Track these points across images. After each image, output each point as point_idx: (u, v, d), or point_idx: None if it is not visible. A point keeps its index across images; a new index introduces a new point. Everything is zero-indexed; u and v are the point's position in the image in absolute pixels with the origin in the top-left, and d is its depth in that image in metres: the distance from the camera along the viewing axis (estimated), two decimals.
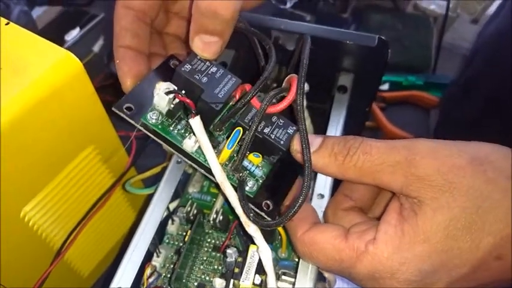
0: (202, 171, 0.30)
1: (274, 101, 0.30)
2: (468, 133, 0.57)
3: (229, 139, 0.30)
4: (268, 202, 0.30)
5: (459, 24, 0.87)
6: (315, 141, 0.29)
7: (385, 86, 0.71)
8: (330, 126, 0.37)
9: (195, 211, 0.34)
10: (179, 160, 0.35)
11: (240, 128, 0.30)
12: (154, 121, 0.30)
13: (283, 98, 0.30)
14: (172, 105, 0.30)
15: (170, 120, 0.30)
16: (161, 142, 0.30)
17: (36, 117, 0.33)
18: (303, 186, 0.27)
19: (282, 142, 0.30)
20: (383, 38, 0.36)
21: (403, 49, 0.76)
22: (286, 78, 0.30)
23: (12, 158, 0.33)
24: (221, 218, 0.34)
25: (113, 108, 0.29)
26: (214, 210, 0.34)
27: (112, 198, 0.44)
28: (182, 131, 0.30)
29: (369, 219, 0.30)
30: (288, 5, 0.74)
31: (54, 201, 0.39)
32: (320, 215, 0.33)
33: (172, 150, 0.30)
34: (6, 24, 0.36)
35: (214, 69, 0.31)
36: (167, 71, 0.32)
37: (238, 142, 0.30)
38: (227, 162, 0.30)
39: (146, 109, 0.30)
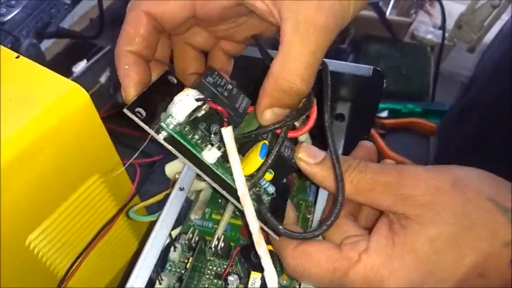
0: (216, 185, 0.29)
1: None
2: (466, 158, 0.58)
3: (259, 150, 0.29)
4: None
5: (456, 52, 0.88)
6: (319, 154, 0.30)
7: (384, 113, 0.72)
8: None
9: (197, 238, 0.35)
10: (181, 187, 0.36)
11: (267, 142, 0.30)
12: (172, 127, 0.28)
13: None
14: (195, 114, 0.29)
15: (187, 129, 0.29)
16: (177, 152, 0.28)
17: (44, 147, 0.34)
18: (337, 200, 0.28)
19: (293, 161, 0.31)
20: (378, 68, 0.37)
21: (401, 77, 0.78)
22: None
23: (19, 187, 0.33)
24: (222, 244, 0.34)
25: (124, 110, 0.27)
26: (216, 237, 0.35)
27: (115, 226, 0.45)
28: (199, 141, 0.29)
29: (360, 230, 0.30)
30: None
31: (59, 229, 0.40)
32: None
33: (186, 161, 0.28)
34: (17, 57, 0.37)
35: (230, 86, 0.31)
36: (165, 85, 0.31)
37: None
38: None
39: (157, 117, 0.28)
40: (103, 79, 0.71)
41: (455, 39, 0.86)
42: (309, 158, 0.30)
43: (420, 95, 0.77)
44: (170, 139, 0.28)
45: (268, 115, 0.29)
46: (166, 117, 0.28)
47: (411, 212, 0.27)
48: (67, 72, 0.70)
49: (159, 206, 0.38)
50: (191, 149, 0.28)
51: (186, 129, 0.29)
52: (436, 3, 0.91)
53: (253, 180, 0.29)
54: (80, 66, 0.63)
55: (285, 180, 0.35)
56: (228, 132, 0.28)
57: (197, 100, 0.28)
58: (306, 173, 0.31)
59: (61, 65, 0.72)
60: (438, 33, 0.87)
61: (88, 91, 0.37)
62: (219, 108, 0.29)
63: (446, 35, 0.84)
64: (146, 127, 0.27)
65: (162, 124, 0.27)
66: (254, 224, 0.28)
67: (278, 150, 0.30)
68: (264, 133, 0.30)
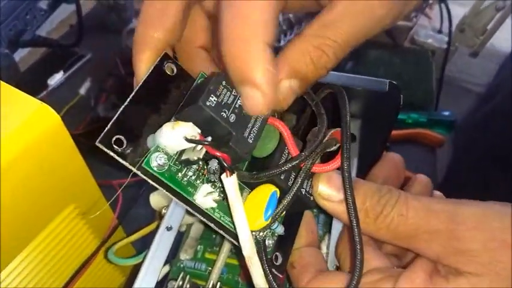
0: (213, 225, 0.24)
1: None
2: (484, 170, 0.54)
3: (265, 204, 0.24)
4: (277, 254, 0.26)
5: (458, 57, 0.85)
6: (342, 187, 0.25)
7: None
8: None
9: (188, 286, 0.30)
10: (169, 226, 0.30)
11: (276, 189, 0.25)
12: (159, 167, 0.23)
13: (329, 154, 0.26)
14: (188, 156, 0.23)
15: (178, 165, 0.24)
16: (164, 191, 0.23)
17: (9, 176, 0.30)
18: (356, 264, 0.23)
19: (311, 198, 0.26)
20: (393, 82, 0.32)
21: (403, 84, 0.73)
22: (331, 133, 0.26)
23: None
24: None
25: (97, 143, 0.22)
26: (211, 284, 0.30)
27: (95, 262, 0.40)
28: (194, 178, 0.24)
29: (384, 260, 0.26)
30: (282, 42, 0.71)
31: (31, 267, 0.36)
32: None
33: (177, 200, 0.24)
34: None
35: (240, 101, 0.24)
36: (162, 82, 0.25)
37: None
38: None
39: (143, 142, 0.23)
40: (82, 90, 0.67)
41: (457, 44, 0.83)
42: (331, 193, 0.25)
43: (424, 102, 0.74)
44: (155, 180, 0.23)
45: (284, 88, 0.24)
46: (151, 151, 0.23)
47: (465, 268, 0.22)
48: (42, 85, 0.65)
49: (145, 240, 0.34)
50: (181, 192, 0.23)
51: (176, 165, 0.23)
52: (435, 6, 0.87)
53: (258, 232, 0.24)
54: (55, 79, 0.58)
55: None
56: (231, 182, 0.23)
57: (188, 141, 0.22)
58: (329, 212, 0.26)
59: (37, 76, 0.68)
60: (439, 37, 0.83)
61: (66, 104, 0.32)
62: (218, 154, 0.23)
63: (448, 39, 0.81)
64: (126, 163, 0.22)
65: (144, 166, 0.22)
66: (263, 284, 0.23)
67: (293, 196, 0.24)
68: (281, 173, 0.25)
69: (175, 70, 0.25)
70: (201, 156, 0.23)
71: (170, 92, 0.25)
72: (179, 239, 0.35)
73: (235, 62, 0.22)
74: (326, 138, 0.25)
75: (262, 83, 0.21)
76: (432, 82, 0.76)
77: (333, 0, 0.23)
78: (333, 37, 0.23)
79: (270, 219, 0.24)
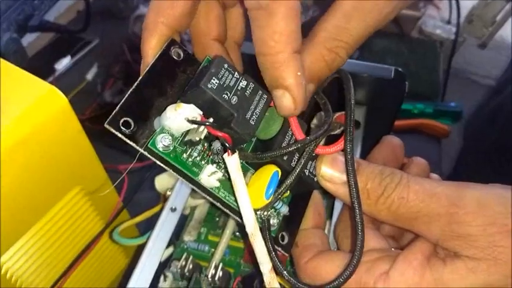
0: (218, 204, 0.25)
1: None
2: (493, 162, 0.54)
3: (267, 184, 0.25)
4: (284, 233, 0.27)
5: (465, 48, 0.85)
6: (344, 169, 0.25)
7: None
8: None
9: (191, 266, 0.30)
10: (173, 207, 0.31)
11: (277, 169, 0.25)
12: (164, 148, 0.23)
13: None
14: (191, 136, 0.24)
15: (183, 146, 0.24)
16: (171, 170, 0.24)
17: (17, 157, 0.30)
18: (356, 244, 0.23)
19: (315, 179, 0.27)
20: (399, 69, 0.32)
21: (409, 75, 0.73)
22: (335, 116, 0.27)
23: None
24: (221, 273, 0.30)
25: (105, 125, 0.22)
26: (213, 265, 0.30)
27: (99, 244, 0.41)
28: (198, 159, 0.24)
29: (382, 241, 0.26)
30: None
31: (36, 249, 0.36)
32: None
33: (183, 180, 0.24)
34: None
35: (243, 83, 0.25)
36: (169, 66, 0.25)
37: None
38: None
39: (150, 124, 0.24)
40: (89, 76, 0.67)
41: (465, 35, 0.82)
42: (334, 174, 0.25)
43: (431, 93, 0.73)
44: (161, 160, 0.23)
45: (304, 93, 0.25)
46: (157, 132, 0.23)
47: (464, 251, 0.22)
48: (50, 70, 0.65)
49: (150, 222, 0.34)
50: (186, 172, 0.24)
51: (182, 146, 0.24)
52: None
53: (262, 211, 0.25)
54: (63, 63, 0.58)
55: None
56: (232, 161, 0.23)
57: (190, 122, 0.23)
58: (332, 193, 0.26)
59: (45, 61, 0.68)
60: (447, 28, 0.82)
61: (73, 89, 0.32)
62: (220, 134, 0.23)
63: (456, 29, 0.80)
64: (133, 144, 0.22)
65: (150, 146, 0.23)
66: (266, 264, 0.24)
67: (296, 177, 0.25)
68: (283, 155, 0.25)
69: (182, 55, 0.26)
70: (202, 137, 0.23)
71: (177, 75, 0.25)
72: (184, 221, 0.35)
73: (269, 72, 0.24)
74: (330, 122, 0.26)
75: (293, 88, 0.24)
76: (439, 73, 0.75)
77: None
78: (345, 39, 0.24)
79: (271, 198, 0.24)
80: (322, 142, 0.27)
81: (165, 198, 0.33)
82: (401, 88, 0.33)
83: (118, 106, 0.22)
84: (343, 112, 0.26)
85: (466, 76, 0.83)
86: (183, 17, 0.25)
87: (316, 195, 0.29)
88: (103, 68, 0.69)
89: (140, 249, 0.30)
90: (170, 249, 0.33)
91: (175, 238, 0.34)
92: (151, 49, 0.25)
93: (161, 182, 0.35)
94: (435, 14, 0.87)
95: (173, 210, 0.31)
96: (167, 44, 0.25)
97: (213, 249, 0.33)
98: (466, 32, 0.82)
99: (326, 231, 0.32)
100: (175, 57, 0.25)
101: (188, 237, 0.33)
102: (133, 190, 0.45)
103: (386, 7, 0.24)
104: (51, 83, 0.33)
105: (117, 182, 0.33)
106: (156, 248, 0.29)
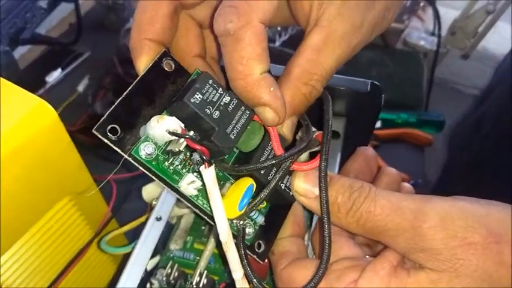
0: (198, 211, 0.26)
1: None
2: (478, 171, 0.56)
3: (241, 196, 0.25)
4: (260, 242, 0.28)
5: (449, 59, 0.86)
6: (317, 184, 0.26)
7: (377, 124, 0.69)
8: None
9: (176, 274, 0.31)
10: (158, 217, 0.32)
11: (253, 182, 0.26)
12: (147, 156, 0.24)
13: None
14: (172, 147, 0.25)
15: (166, 154, 0.25)
16: (153, 177, 0.25)
17: (7, 169, 0.31)
18: (322, 260, 0.24)
19: (291, 193, 0.28)
20: (376, 83, 0.34)
21: (394, 86, 0.75)
22: (315, 135, 0.28)
23: None
24: (205, 281, 0.30)
25: (93, 131, 0.23)
26: (198, 272, 0.31)
27: (88, 253, 0.41)
28: (180, 167, 0.26)
29: (355, 249, 0.27)
30: (277, 43, 0.72)
31: (25, 259, 0.37)
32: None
33: (165, 186, 0.26)
34: None
35: (227, 99, 0.26)
36: (159, 77, 0.26)
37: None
38: None
39: (136, 132, 0.25)
40: (80, 88, 0.68)
41: (448, 46, 0.84)
42: (308, 189, 0.27)
43: (414, 103, 0.75)
44: (144, 167, 0.24)
45: (290, 125, 0.27)
46: (141, 140, 0.24)
47: (428, 264, 0.23)
48: (41, 83, 0.66)
49: (139, 231, 0.35)
50: (167, 179, 0.25)
51: (164, 155, 0.25)
52: (428, 8, 0.89)
53: (238, 221, 0.26)
54: (54, 76, 0.59)
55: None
56: (209, 174, 0.24)
57: (170, 134, 0.24)
58: (306, 207, 0.27)
59: (36, 73, 0.69)
60: (431, 40, 0.84)
61: (64, 101, 0.33)
62: (198, 147, 0.25)
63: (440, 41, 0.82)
64: (118, 149, 0.24)
65: (134, 154, 0.24)
66: (238, 272, 0.25)
67: (271, 191, 0.26)
68: (261, 169, 0.26)
69: (173, 66, 0.27)
70: (182, 149, 0.25)
71: (167, 86, 0.26)
72: (170, 230, 0.36)
73: (243, 93, 0.25)
74: (308, 141, 0.27)
75: (271, 102, 0.25)
76: (422, 83, 0.77)
77: (311, 32, 0.25)
78: (318, 72, 0.26)
79: (244, 210, 0.25)
80: (306, 156, 0.29)
81: (151, 208, 0.34)
82: (377, 100, 0.34)
83: (107, 113, 0.24)
84: (321, 131, 0.27)
85: (450, 86, 0.84)
86: (164, 30, 0.27)
87: (296, 206, 0.30)
88: (94, 80, 0.70)
89: (126, 258, 0.31)
90: (157, 258, 0.34)
91: (162, 247, 0.34)
92: (142, 65, 0.26)
93: (149, 191, 0.35)
94: (420, 25, 0.89)
95: (158, 219, 0.32)
96: (159, 56, 0.26)
97: (198, 257, 0.34)
98: (449, 43, 0.84)
99: (307, 237, 0.33)
100: (167, 69, 0.26)
101: (174, 246, 0.34)
102: (121, 200, 0.46)
103: (354, 39, 0.25)
104: (42, 95, 0.33)
105: (101, 185, 0.34)
106: (141, 257, 0.30)
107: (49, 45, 0.73)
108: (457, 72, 0.85)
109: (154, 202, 0.34)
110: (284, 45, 0.73)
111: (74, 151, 0.37)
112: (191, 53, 0.30)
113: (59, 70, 0.64)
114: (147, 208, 0.38)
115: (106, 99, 0.67)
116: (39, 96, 0.33)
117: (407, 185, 0.31)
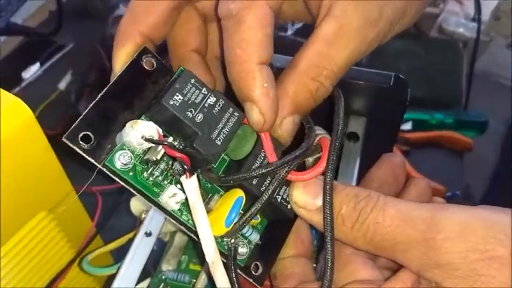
0: (184, 229, 0.27)
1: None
2: None
3: (228, 210, 0.26)
4: (258, 263, 0.28)
5: (493, 48, 0.86)
6: (320, 194, 0.27)
7: (407, 126, 0.69)
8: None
9: None
10: (148, 232, 0.33)
11: (242, 195, 0.27)
12: (122, 166, 0.25)
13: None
14: (149, 156, 0.26)
15: (144, 164, 0.26)
16: (131, 190, 0.26)
17: None
18: (325, 276, 0.25)
19: (289, 207, 0.28)
20: (400, 76, 0.34)
21: (428, 80, 0.75)
22: (316, 140, 0.28)
23: None
24: None
25: (63, 139, 0.24)
26: None
27: (70, 274, 0.42)
28: (161, 178, 0.26)
29: (373, 272, 0.27)
30: (290, 31, 0.73)
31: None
32: None
33: (145, 201, 0.26)
34: None
35: (212, 99, 0.26)
36: (139, 77, 0.27)
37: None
38: None
39: (112, 139, 0.25)
40: (62, 85, 0.69)
41: (492, 33, 0.84)
42: (308, 201, 0.27)
43: (452, 101, 0.75)
44: (119, 177, 0.25)
45: (289, 125, 0.28)
46: (116, 149, 0.25)
47: (445, 283, 0.23)
48: (18, 78, 0.67)
49: (124, 251, 0.36)
50: (146, 192, 0.26)
51: (142, 163, 0.26)
52: None
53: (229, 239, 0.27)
54: (31, 71, 0.60)
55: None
56: (190, 184, 0.25)
57: (146, 140, 0.25)
58: (307, 221, 0.28)
59: (12, 68, 0.71)
60: (471, 26, 0.84)
61: (43, 100, 0.34)
62: (177, 155, 0.25)
63: (482, 27, 0.82)
64: (91, 159, 0.24)
65: (107, 164, 0.25)
66: None
67: (264, 204, 0.26)
68: (251, 178, 0.27)
69: (155, 64, 0.27)
70: (159, 157, 0.25)
71: (147, 87, 0.27)
72: (162, 248, 0.37)
73: (236, 82, 0.26)
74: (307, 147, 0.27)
75: (259, 99, 0.26)
76: (462, 77, 0.77)
77: (323, 22, 0.26)
78: (328, 66, 0.26)
79: (231, 226, 0.26)
80: (313, 161, 0.29)
81: (141, 222, 0.35)
82: (402, 97, 0.34)
83: (79, 119, 0.24)
84: (324, 136, 0.28)
85: (493, 80, 0.84)
86: (158, 26, 0.28)
87: (299, 221, 0.30)
88: (77, 75, 0.71)
89: (111, 279, 0.32)
90: (147, 281, 0.35)
91: (152, 268, 0.35)
92: (121, 58, 0.27)
93: (138, 204, 0.36)
94: (458, 10, 0.89)
95: (148, 234, 0.33)
96: (138, 53, 0.27)
97: (194, 280, 0.34)
98: (493, 30, 0.84)
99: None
100: (147, 67, 0.27)
101: (167, 267, 0.35)
102: (107, 214, 0.46)
103: (370, 33, 0.26)
104: (18, 93, 0.34)
105: (79, 193, 0.35)
106: (128, 278, 0.30)
107: (26, 36, 0.74)
108: (502, 64, 0.85)
109: (143, 215, 0.34)
110: (297, 34, 0.73)
111: (54, 158, 0.38)
112: (187, 46, 0.31)
113: (38, 65, 0.66)
114: (136, 224, 0.38)
115: (91, 97, 0.68)
116: (15, 94, 0.34)
117: (439, 199, 0.31)
